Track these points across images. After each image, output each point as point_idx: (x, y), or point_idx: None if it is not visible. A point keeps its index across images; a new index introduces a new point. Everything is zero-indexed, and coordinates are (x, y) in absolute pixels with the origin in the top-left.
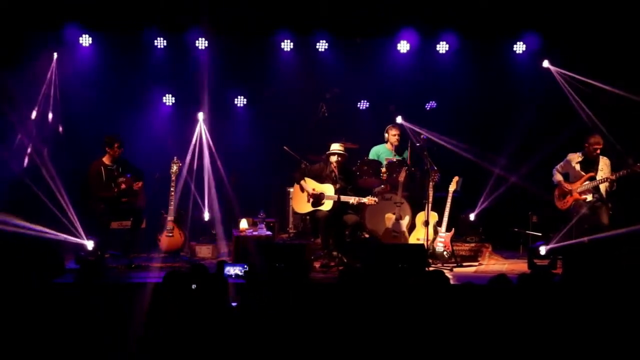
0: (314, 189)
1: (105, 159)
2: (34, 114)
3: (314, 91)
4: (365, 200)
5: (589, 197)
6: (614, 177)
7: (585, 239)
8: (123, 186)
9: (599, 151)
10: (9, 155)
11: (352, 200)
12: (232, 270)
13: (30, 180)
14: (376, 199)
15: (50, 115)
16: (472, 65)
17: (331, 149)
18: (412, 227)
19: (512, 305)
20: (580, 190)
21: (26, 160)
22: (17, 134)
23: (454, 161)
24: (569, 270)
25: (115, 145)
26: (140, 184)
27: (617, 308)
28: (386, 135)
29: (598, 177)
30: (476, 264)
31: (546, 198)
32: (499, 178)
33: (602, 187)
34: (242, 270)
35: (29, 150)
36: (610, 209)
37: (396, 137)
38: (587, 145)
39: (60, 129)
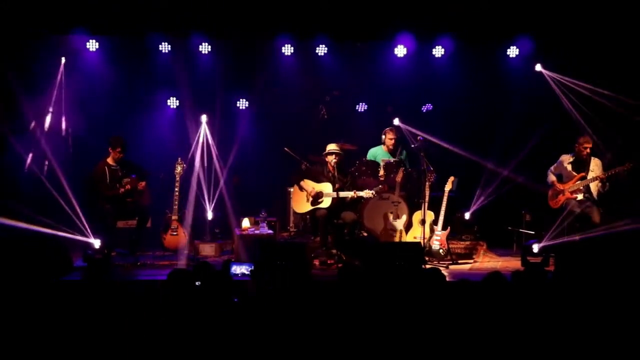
0: (313, 188)
1: (110, 160)
2: (42, 118)
3: (313, 94)
4: (362, 193)
5: (580, 196)
6: (604, 176)
7: (577, 237)
8: (128, 187)
9: (589, 151)
10: (19, 158)
11: (351, 194)
12: (239, 270)
13: (39, 181)
14: (374, 192)
15: (58, 118)
16: (467, 68)
17: (327, 149)
18: (409, 225)
19: (506, 301)
20: (572, 190)
21: (29, 161)
22: (26, 137)
23: (449, 162)
24: (561, 268)
25: (117, 149)
26: (143, 183)
27: (608, 304)
28: (383, 137)
29: (589, 177)
30: (471, 261)
31: (538, 197)
32: (493, 178)
33: (593, 187)
34: (248, 270)
35: (35, 156)
36: (601, 208)
37: (392, 140)
38: (577, 145)
39: (63, 128)
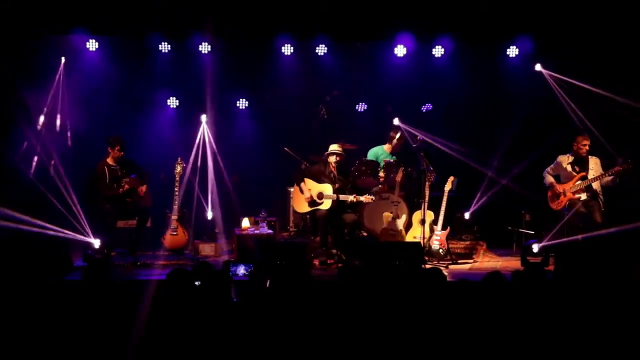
0: (310, 193)
1: (109, 160)
2: (42, 117)
3: (313, 94)
4: (362, 198)
5: (583, 196)
6: (620, 169)
7: (580, 237)
8: (126, 186)
9: (587, 148)
10: (19, 157)
11: (351, 198)
12: (239, 270)
13: (39, 181)
14: (373, 197)
15: (58, 118)
16: (466, 68)
17: (329, 149)
18: (409, 225)
19: (506, 301)
20: (574, 190)
21: (34, 162)
22: (26, 137)
23: (449, 161)
24: (561, 267)
25: (117, 148)
26: (144, 188)
27: (607, 304)
28: (392, 138)
29: (590, 177)
30: (471, 261)
31: (538, 197)
32: (492, 178)
33: (596, 184)
34: (248, 270)
35: (35, 155)
36: (603, 207)
37: (401, 141)
38: (575, 144)
39: (60, 126)
